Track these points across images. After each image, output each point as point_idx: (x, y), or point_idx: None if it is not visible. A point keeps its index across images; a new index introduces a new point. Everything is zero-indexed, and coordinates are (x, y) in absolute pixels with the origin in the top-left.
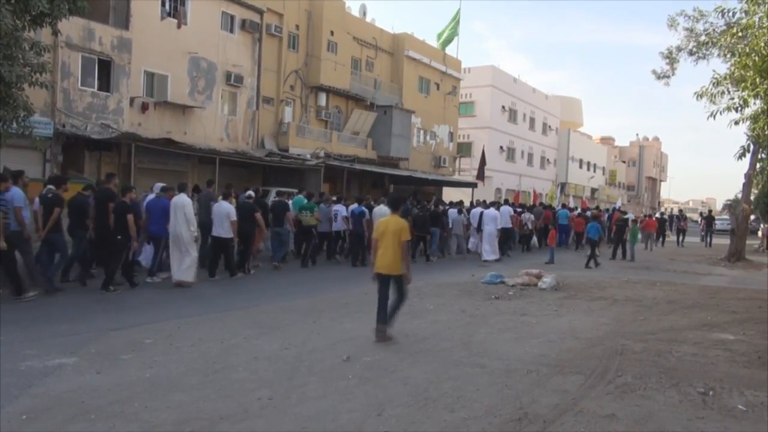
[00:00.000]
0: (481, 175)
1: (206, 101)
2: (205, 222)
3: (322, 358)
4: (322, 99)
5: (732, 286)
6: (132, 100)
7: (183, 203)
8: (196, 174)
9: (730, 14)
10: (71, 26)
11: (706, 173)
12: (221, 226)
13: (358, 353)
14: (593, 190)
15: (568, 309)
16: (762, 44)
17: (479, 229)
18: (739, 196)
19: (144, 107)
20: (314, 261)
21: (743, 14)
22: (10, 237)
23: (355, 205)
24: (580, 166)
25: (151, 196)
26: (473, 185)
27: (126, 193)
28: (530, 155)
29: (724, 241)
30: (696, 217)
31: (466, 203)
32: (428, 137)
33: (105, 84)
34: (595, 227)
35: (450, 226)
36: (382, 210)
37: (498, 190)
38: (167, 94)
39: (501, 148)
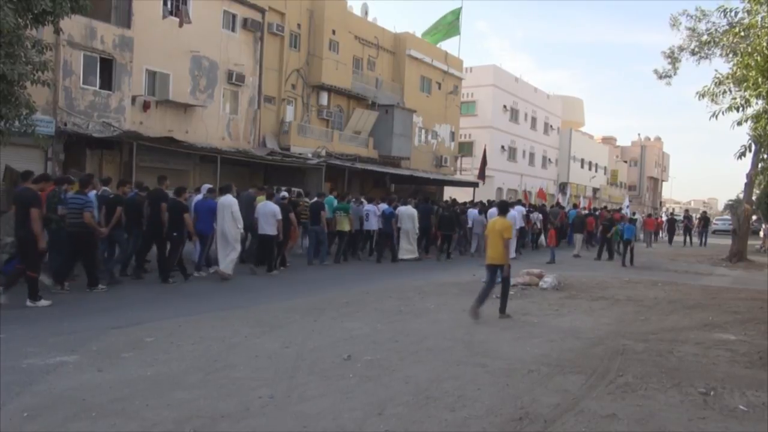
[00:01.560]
0: (482, 175)
1: (208, 100)
2: (246, 221)
3: (323, 357)
4: (324, 98)
5: (733, 286)
6: (134, 99)
7: (230, 203)
8: (197, 173)
9: (733, 14)
10: (73, 25)
11: (707, 173)
12: (267, 224)
13: (358, 352)
14: (595, 190)
15: (570, 309)
16: (764, 44)
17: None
18: (741, 196)
19: (146, 106)
20: (346, 258)
21: (745, 14)
22: (85, 234)
23: (384, 206)
24: (582, 166)
25: (199, 197)
26: (474, 185)
27: (181, 193)
28: (532, 155)
29: (724, 242)
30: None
31: (464, 202)
32: (429, 136)
33: (107, 82)
34: (630, 229)
35: (470, 225)
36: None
37: (499, 190)
38: (169, 92)
39: (502, 147)
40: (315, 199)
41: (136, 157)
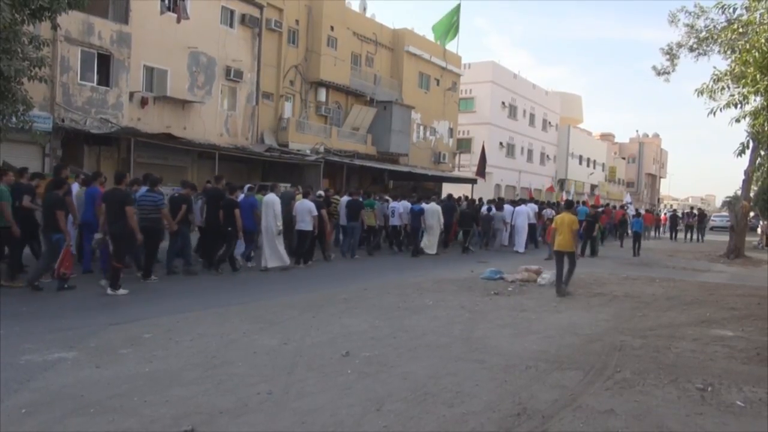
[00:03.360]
0: (481, 172)
1: (206, 96)
2: (285, 218)
3: (321, 353)
4: (322, 94)
5: (731, 282)
6: (131, 95)
7: (273, 201)
8: (195, 169)
9: (731, 10)
10: (70, 20)
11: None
12: (304, 221)
13: (357, 348)
14: (593, 187)
15: (567, 305)
16: (763, 40)
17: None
18: (739, 192)
19: (143, 102)
20: (371, 252)
21: (744, 10)
22: (154, 229)
23: (407, 203)
24: (580, 163)
25: (242, 196)
26: (473, 181)
27: (234, 191)
28: (530, 151)
29: (722, 238)
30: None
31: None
32: (428, 133)
33: (104, 78)
34: (638, 222)
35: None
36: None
37: (497, 187)
38: (167, 88)
39: (501, 144)
40: (350, 197)
41: (134, 153)
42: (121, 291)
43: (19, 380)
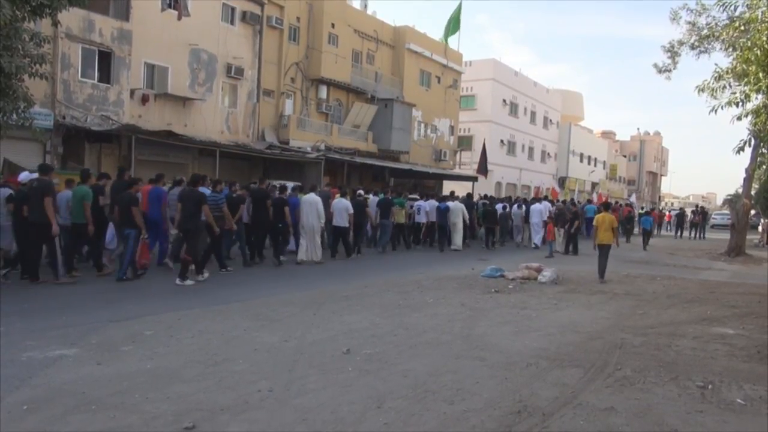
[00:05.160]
0: (482, 169)
1: (207, 93)
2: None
3: (322, 350)
4: (323, 92)
5: (732, 280)
6: (132, 92)
7: (316, 201)
8: (196, 166)
9: (733, 8)
10: (71, 17)
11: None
12: (341, 218)
13: (357, 346)
14: (593, 185)
15: (568, 303)
16: (764, 38)
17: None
18: (740, 191)
19: (144, 99)
20: (394, 246)
21: (746, 8)
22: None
23: (434, 202)
24: (581, 161)
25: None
26: (474, 179)
27: (283, 191)
28: (531, 149)
29: (723, 237)
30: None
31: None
32: (429, 131)
33: (105, 75)
34: (648, 220)
35: (512, 219)
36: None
37: (498, 184)
38: (167, 86)
39: (502, 141)
40: (383, 196)
41: (135, 151)
42: (188, 282)
43: (21, 377)
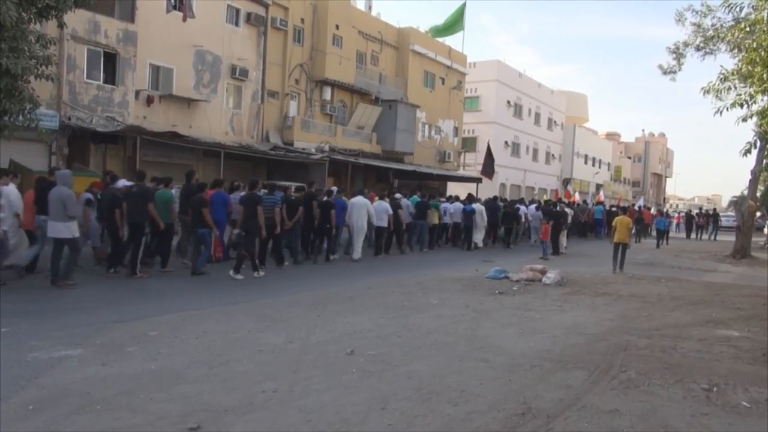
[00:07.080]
0: (487, 171)
1: (211, 95)
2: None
3: (326, 351)
4: (327, 93)
5: (737, 282)
6: (137, 93)
7: (365, 203)
8: (201, 167)
9: (738, 9)
10: (77, 19)
11: (712, 169)
12: (381, 219)
13: (361, 347)
14: (598, 186)
15: (572, 305)
16: None
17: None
18: (746, 192)
19: (149, 100)
20: (411, 247)
21: (751, 9)
22: (274, 225)
23: (460, 204)
24: (585, 162)
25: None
26: (478, 180)
27: (330, 194)
28: (535, 150)
29: (728, 238)
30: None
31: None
32: (433, 132)
33: (110, 77)
34: (662, 221)
35: (529, 219)
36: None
37: (502, 186)
38: (172, 87)
39: (506, 143)
40: (419, 198)
41: (140, 152)
42: (239, 276)
43: (26, 377)
